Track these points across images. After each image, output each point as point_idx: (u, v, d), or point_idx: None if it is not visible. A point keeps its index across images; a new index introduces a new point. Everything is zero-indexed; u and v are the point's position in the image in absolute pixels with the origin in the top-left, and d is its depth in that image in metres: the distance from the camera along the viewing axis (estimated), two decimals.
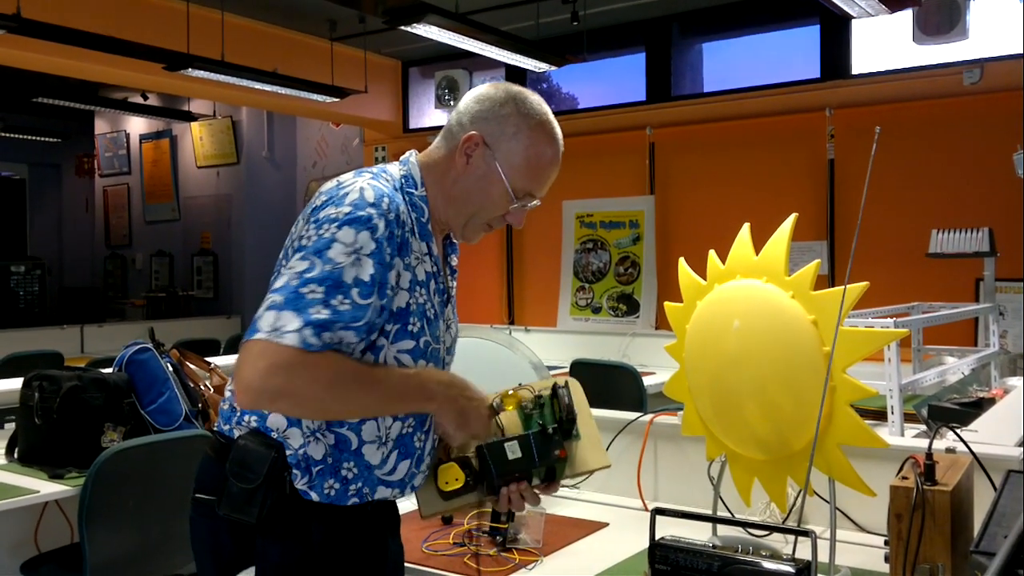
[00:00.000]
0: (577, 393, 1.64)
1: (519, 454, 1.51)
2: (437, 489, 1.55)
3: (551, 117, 1.59)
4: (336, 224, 1.39)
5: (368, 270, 1.39)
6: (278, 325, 1.32)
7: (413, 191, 1.54)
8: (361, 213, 1.40)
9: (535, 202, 1.60)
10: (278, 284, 1.39)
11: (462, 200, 1.57)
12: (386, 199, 1.44)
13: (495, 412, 1.57)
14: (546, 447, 1.53)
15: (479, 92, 1.59)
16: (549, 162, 1.58)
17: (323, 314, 1.34)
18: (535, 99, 1.58)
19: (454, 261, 1.69)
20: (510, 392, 1.61)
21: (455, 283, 1.69)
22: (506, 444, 1.54)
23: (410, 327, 1.48)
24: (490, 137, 1.54)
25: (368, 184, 1.45)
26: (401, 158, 1.61)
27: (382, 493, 1.51)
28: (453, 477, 1.53)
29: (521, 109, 1.55)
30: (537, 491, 1.55)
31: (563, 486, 1.64)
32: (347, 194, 1.43)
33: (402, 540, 1.69)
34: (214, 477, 1.47)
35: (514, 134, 1.54)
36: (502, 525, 2.00)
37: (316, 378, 1.34)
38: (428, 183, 1.57)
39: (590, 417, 1.64)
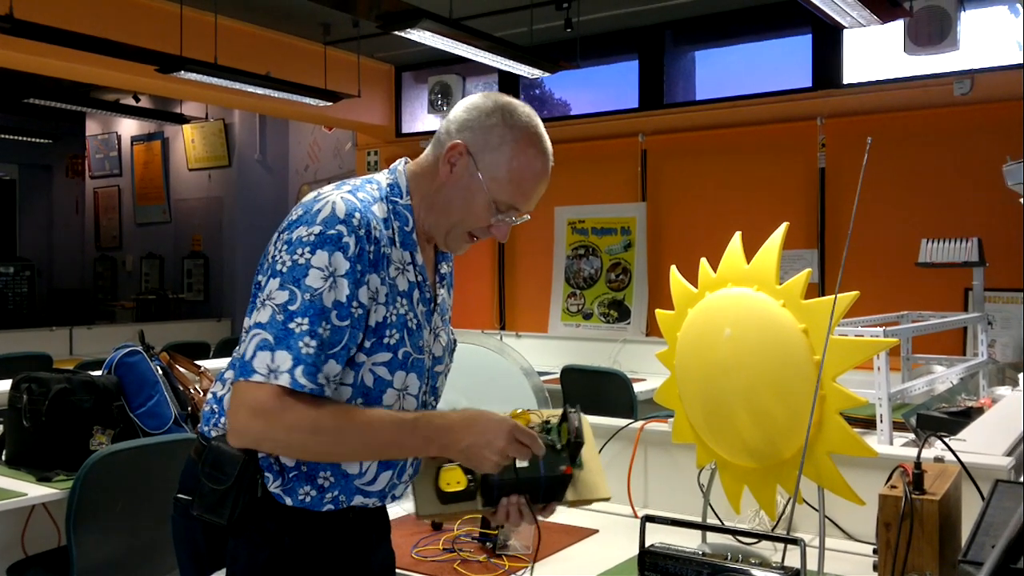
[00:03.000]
0: (584, 424, 1.62)
1: (526, 464, 1.48)
2: (437, 489, 1.52)
3: (540, 130, 1.54)
4: (309, 248, 1.39)
5: (344, 291, 1.39)
6: (274, 367, 1.35)
7: (398, 200, 1.53)
8: (331, 232, 1.40)
9: (524, 217, 1.56)
10: (263, 318, 1.38)
11: (444, 208, 1.54)
12: (357, 214, 1.42)
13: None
14: (553, 461, 1.51)
15: (469, 101, 1.56)
16: (533, 176, 1.52)
17: (311, 347, 1.36)
18: (524, 111, 1.53)
19: (444, 268, 1.65)
20: (519, 411, 1.59)
21: (447, 292, 1.67)
22: None
23: (386, 339, 1.46)
24: (474, 147, 1.51)
25: (341, 198, 1.43)
26: (391, 166, 1.60)
27: (359, 501, 1.50)
28: (455, 480, 1.50)
29: (508, 121, 1.50)
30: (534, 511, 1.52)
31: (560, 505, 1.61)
32: (319, 210, 1.42)
33: (392, 547, 1.68)
34: (193, 478, 1.48)
35: (498, 145, 1.50)
36: (492, 531, 2.00)
37: (296, 424, 1.36)
38: (414, 191, 1.55)
39: (594, 449, 1.64)
